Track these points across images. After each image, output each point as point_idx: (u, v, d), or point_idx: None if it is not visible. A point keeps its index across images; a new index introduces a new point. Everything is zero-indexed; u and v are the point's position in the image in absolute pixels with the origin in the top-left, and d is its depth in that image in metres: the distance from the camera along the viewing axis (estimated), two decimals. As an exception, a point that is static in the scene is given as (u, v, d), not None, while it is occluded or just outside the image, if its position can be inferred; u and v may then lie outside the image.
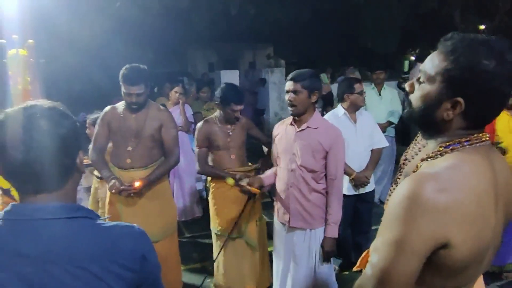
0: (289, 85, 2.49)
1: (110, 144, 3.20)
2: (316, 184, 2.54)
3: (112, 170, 3.02)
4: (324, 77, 9.73)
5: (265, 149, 3.42)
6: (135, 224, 1.13)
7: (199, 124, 3.16)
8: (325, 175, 2.52)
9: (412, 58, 15.78)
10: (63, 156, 1.04)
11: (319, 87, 2.49)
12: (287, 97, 2.50)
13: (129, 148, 3.02)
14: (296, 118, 2.54)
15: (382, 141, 3.47)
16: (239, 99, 3.05)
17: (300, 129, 2.54)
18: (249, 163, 3.31)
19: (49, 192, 1.04)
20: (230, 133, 3.14)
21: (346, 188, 3.39)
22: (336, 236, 2.52)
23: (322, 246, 2.53)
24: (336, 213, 2.51)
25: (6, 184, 2.85)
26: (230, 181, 2.81)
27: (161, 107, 3.15)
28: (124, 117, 3.01)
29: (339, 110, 3.43)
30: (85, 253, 1.01)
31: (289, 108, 2.50)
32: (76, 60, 7.61)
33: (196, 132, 3.17)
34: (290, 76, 2.50)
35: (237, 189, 2.80)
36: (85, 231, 1.04)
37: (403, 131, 6.50)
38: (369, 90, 5.11)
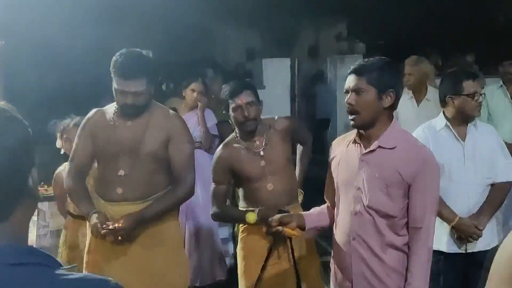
0: (349, 81, 2.58)
1: (95, 165, 3.38)
2: (394, 236, 2.58)
3: (97, 204, 3.19)
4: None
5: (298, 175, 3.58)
6: (110, 279, 1.21)
7: (218, 151, 3.37)
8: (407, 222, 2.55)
9: None
10: (9, 174, 1.14)
11: (396, 83, 2.56)
12: (345, 99, 2.59)
13: (121, 172, 3.17)
14: (362, 132, 2.60)
15: (509, 172, 3.46)
16: (233, 90, 3.24)
17: (367, 150, 2.60)
18: (301, 191, 3.48)
19: None
20: (262, 153, 3.29)
21: (446, 242, 3.40)
22: None
23: None
24: (419, 281, 2.52)
25: None
26: (251, 217, 2.93)
27: (171, 111, 3.34)
28: (116, 125, 3.20)
29: (439, 120, 3.49)
30: None
31: (350, 118, 2.60)
32: (50, 44, 8.02)
33: (212, 161, 3.37)
34: (351, 68, 2.59)
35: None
36: (38, 284, 1.12)
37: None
38: (494, 90, 5.14)
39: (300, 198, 3.64)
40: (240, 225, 3.43)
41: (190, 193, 3.25)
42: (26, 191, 1.20)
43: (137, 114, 3.17)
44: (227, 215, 3.42)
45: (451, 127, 3.44)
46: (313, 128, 11.20)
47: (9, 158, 1.15)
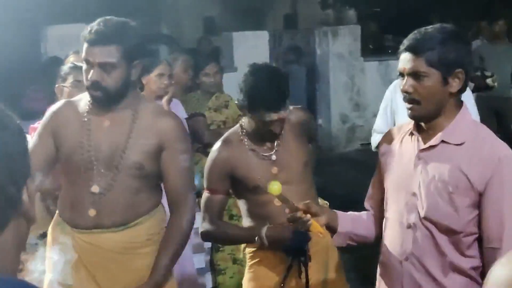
0: (404, 61, 2.50)
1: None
2: (459, 257, 2.50)
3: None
4: None
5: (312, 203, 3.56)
6: None
7: (215, 149, 3.24)
8: (478, 240, 2.49)
9: None
10: (5, 180, 1.15)
11: (465, 60, 2.53)
12: (401, 85, 2.52)
13: (95, 189, 3.00)
14: (422, 124, 2.57)
15: None
16: (273, 102, 3.05)
17: (427, 145, 2.54)
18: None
19: None
20: (274, 157, 3.15)
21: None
22: None
23: None
24: None
25: None
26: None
27: (162, 107, 3.33)
28: (89, 125, 3.02)
29: None
30: None
31: (407, 107, 2.52)
32: None
33: (207, 163, 3.24)
34: (405, 42, 2.53)
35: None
36: None
37: None
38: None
39: None
40: (248, 249, 3.25)
41: (193, 220, 3.14)
42: (20, 206, 1.18)
43: (109, 102, 2.97)
44: (223, 234, 3.21)
45: None
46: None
47: (3, 160, 1.14)
